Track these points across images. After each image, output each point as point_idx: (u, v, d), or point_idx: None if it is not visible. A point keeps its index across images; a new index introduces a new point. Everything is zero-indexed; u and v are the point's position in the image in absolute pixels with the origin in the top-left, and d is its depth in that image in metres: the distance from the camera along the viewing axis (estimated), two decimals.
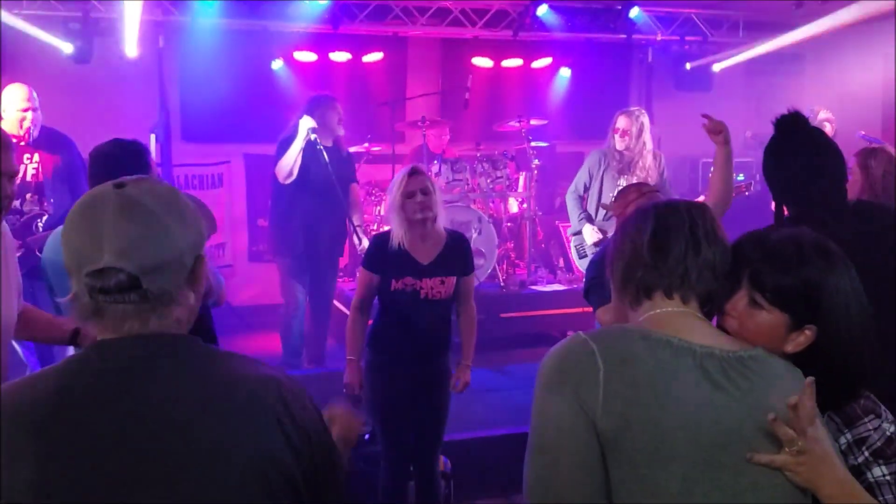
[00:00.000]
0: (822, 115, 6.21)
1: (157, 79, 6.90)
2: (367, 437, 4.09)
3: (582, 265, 5.60)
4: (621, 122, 5.45)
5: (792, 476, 1.37)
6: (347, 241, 5.99)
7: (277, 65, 7.26)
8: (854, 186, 3.52)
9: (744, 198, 7.69)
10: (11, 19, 5.92)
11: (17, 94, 4.42)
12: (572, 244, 5.77)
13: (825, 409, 1.52)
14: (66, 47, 6.27)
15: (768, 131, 2.44)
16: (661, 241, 1.49)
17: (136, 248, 1.21)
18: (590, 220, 5.53)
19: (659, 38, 7.91)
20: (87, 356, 1.26)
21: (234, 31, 6.79)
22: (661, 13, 7.77)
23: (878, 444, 1.53)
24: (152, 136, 6.46)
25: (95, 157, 2.89)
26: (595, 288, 3.42)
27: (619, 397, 1.34)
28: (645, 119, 5.50)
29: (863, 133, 6.08)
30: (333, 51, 7.50)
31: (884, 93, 7.82)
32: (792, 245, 1.53)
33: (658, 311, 1.49)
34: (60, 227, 2.87)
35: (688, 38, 7.93)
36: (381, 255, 3.42)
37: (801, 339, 1.52)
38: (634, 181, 5.42)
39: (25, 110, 4.41)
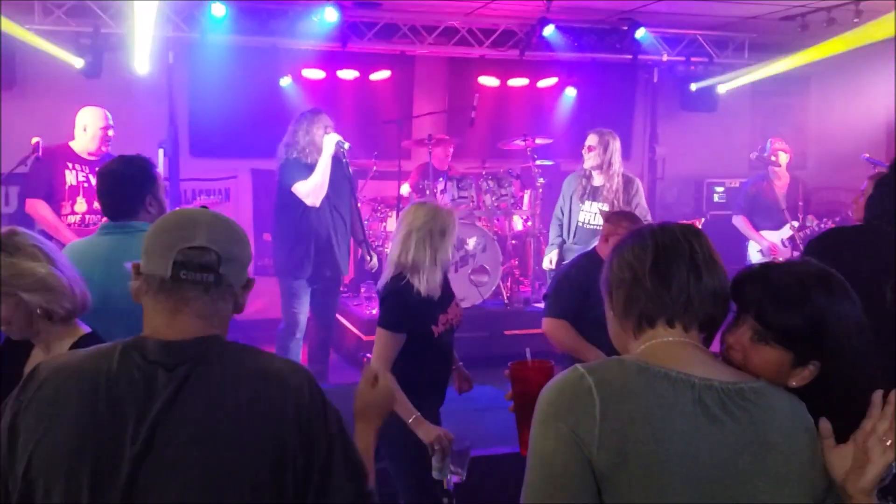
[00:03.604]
0: (777, 144, 6.38)
1: (166, 94, 6.94)
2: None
3: None
4: (590, 139, 5.50)
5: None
6: (351, 257, 5.94)
7: (286, 82, 7.30)
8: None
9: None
10: (23, 33, 5.98)
11: (99, 114, 4.95)
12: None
13: None
14: (77, 62, 6.32)
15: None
16: (662, 269, 1.47)
17: (224, 241, 1.55)
18: (562, 245, 5.60)
19: (665, 58, 7.93)
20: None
21: (243, 47, 6.84)
22: (667, 34, 7.80)
23: (887, 481, 1.49)
24: (160, 151, 6.48)
25: (104, 174, 2.94)
26: (550, 297, 3.57)
27: (616, 433, 1.33)
28: (613, 140, 5.50)
29: (867, 156, 6.08)
30: (341, 68, 7.55)
31: (888, 115, 7.84)
32: (796, 282, 1.50)
33: (658, 340, 1.47)
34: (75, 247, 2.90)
35: (693, 59, 7.95)
36: (409, 309, 3.06)
37: (806, 374, 1.50)
38: (598, 205, 5.45)
39: (105, 129, 4.92)
